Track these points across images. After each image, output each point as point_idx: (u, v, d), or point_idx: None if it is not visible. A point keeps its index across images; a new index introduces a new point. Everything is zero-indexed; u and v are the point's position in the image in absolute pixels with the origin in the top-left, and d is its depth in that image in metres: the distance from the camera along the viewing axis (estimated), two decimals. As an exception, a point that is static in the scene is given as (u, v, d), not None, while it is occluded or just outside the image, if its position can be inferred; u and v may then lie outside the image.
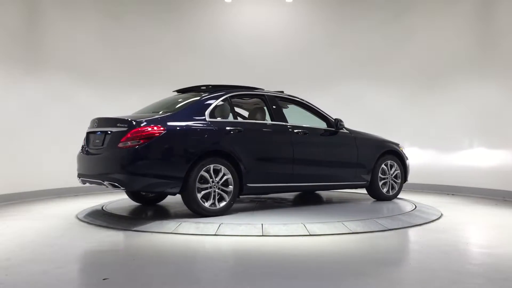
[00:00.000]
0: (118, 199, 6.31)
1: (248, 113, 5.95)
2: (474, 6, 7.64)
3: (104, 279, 2.90)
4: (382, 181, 6.10)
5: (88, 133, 5.14)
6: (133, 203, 5.84)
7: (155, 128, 4.52)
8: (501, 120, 7.10)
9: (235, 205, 5.67)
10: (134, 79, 8.25)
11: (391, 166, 6.19)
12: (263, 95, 5.52)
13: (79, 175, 5.09)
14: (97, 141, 4.88)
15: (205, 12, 8.71)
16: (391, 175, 6.18)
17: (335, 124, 5.74)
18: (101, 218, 4.93)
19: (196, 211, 4.70)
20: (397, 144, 6.39)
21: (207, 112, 4.86)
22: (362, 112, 8.39)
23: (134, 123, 4.56)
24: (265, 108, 5.55)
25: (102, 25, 8.11)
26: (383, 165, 6.08)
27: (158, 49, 8.52)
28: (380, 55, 8.51)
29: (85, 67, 7.80)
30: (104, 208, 5.50)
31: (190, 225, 4.37)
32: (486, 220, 5.25)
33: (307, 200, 6.33)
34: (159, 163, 4.54)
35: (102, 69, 8.01)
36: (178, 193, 4.64)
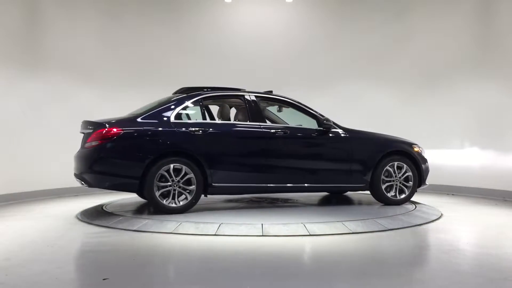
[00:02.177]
0: (118, 199, 6.31)
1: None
2: (474, 6, 7.64)
3: (104, 279, 2.90)
4: (387, 184, 5.61)
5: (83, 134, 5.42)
6: (133, 203, 5.85)
7: (114, 129, 4.82)
8: (501, 120, 7.10)
9: (235, 205, 5.70)
10: (134, 79, 8.25)
11: (399, 168, 5.63)
12: (243, 96, 5.48)
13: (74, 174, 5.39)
14: (82, 142, 5.19)
15: (205, 12, 8.71)
16: (399, 177, 5.63)
17: (321, 124, 5.48)
18: (101, 218, 4.93)
19: (155, 208, 4.89)
20: (410, 144, 5.83)
21: (173, 114, 5.06)
22: (362, 112, 8.38)
23: (97, 125, 4.92)
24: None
25: (102, 25, 8.10)
26: (387, 167, 5.58)
27: (158, 49, 8.52)
28: (380, 55, 8.50)
29: (85, 67, 7.80)
30: (104, 208, 5.51)
31: (190, 225, 4.37)
32: (486, 220, 5.25)
33: (307, 200, 6.33)
34: (115, 162, 4.86)
35: (102, 69, 8.00)
36: (139, 191, 4.90)
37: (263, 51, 8.68)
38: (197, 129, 5.02)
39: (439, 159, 7.96)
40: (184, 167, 4.89)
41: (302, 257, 3.46)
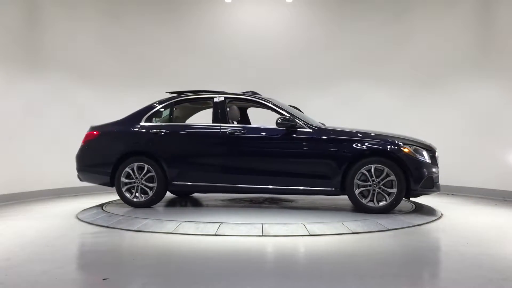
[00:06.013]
0: (118, 199, 6.30)
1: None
2: (473, 6, 7.65)
3: (104, 279, 2.90)
4: (361, 189, 4.99)
5: None
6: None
7: (94, 132, 5.72)
8: (501, 120, 7.10)
9: (235, 205, 5.71)
10: (134, 79, 8.25)
11: (380, 171, 4.92)
12: (212, 98, 5.61)
13: None
14: None
15: (205, 12, 8.71)
16: (378, 182, 4.92)
17: (276, 122, 5.17)
18: (101, 218, 4.93)
19: (123, 201, 5.53)
20: (397, 144, 4.99)
21: (144, 117, 5.62)
22: (362, 112, 8.37)
23: (90, 128, 5.79)
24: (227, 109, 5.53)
25: (102, 25, 8.11)
26: (363, 170, 4.95)
27: (158, 49, 8.52)
28: (380, 55, 8.50)
29: (85, 67, 7.80)
30: (104, 208, 5.52)
31: (190, 225, 4.38)
32: (486, 220, 5.25)
33: (307, 200, 6.33)
34: (93, 160, 5.70)
35: (102, 69, 8.01)
36: (111, 185, 5.56)
37: (263, 51, 8.68)
38: (157, 130, 5.48)
39: (439, 158, 7.95)
40: (146, 166, 5.41)
41: (302, 257, 3.46)
